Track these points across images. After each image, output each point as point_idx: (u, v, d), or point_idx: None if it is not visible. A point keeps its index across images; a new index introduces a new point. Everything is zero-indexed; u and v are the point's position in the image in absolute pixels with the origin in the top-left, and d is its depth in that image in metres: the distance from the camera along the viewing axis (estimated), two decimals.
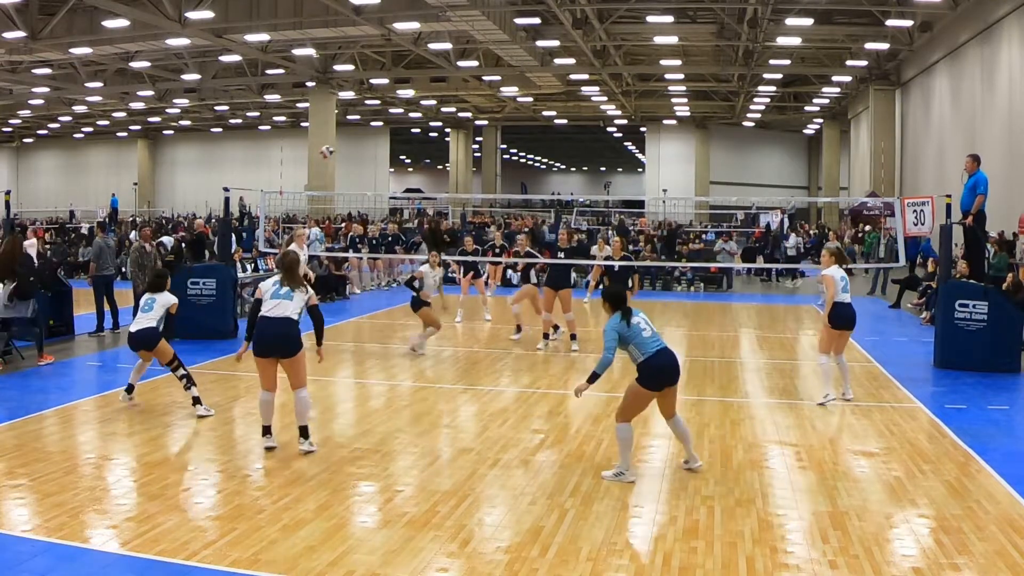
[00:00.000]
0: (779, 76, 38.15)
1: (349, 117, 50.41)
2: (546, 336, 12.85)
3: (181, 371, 8.62)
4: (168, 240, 21.73)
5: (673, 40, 30.28)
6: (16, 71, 34.00)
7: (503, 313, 15.57)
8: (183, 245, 19.76)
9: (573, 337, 12.68)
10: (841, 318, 9.07)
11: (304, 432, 7.23)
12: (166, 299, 8.81)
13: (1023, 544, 5.40)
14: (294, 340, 7.16)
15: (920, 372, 11.24)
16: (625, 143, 68.55)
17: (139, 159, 58.67)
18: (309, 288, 7.59)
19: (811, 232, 35.96)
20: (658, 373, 6.51)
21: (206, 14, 25.65)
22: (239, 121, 53.80)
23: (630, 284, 13.08)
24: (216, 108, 47.80)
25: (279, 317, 7.14)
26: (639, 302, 19.29)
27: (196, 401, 8.49)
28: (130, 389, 8.82)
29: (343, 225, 30.25)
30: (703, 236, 28.73)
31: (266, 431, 7.32)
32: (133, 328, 8.69)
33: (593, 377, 6.53)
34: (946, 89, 28.06)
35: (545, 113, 51.02)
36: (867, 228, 32.53)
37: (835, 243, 20.54)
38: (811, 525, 5.72)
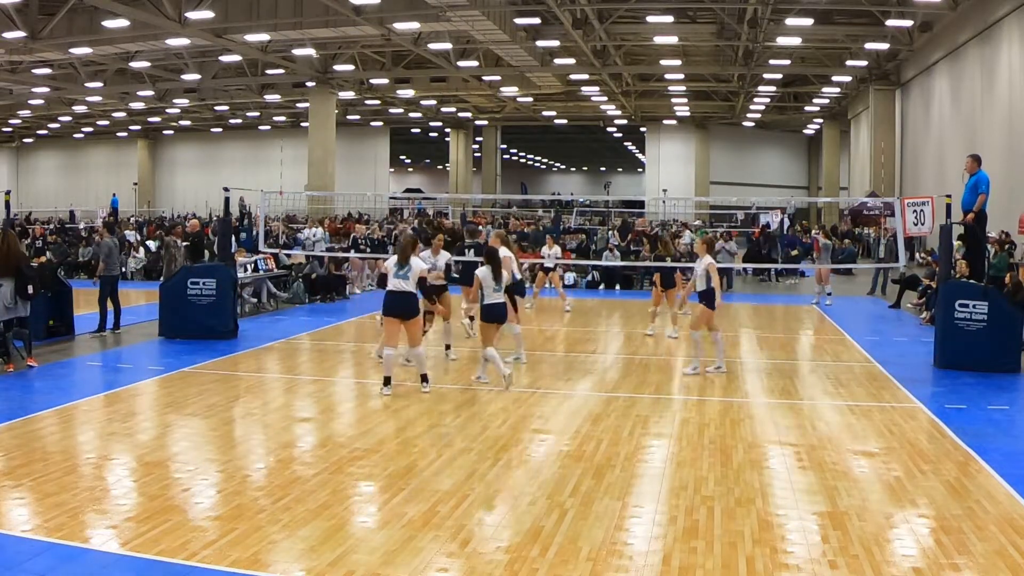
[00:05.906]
0: (779, 76, 38.13)
1: (349, 117, 50.40)
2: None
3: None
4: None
5: (673, 40, 30.27)
6: (16, 71, 33.99)
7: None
8: (185, 245, 19.76)
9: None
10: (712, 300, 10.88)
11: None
12: (417, 264, 9.65)
13: (1023, 544, 5.40)
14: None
15: (920, 372, 11.23)
16: (625, 143, 68.52)
17: (139, 159, 58.65)
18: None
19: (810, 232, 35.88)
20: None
21: (206, 14, 25.65)
22: (239, 121, 53.77)
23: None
24: (216, 108, 47.78)
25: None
26: (637, 301, 19.25)
27: None
28: (387, 382, 9.50)
29: (343, 224, 30.27)
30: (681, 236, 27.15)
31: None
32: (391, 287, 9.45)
33: None
34: (946, 89, 28.07)
35: (545, 113, 51.00)
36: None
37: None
38: (811, 525, 5.72)
